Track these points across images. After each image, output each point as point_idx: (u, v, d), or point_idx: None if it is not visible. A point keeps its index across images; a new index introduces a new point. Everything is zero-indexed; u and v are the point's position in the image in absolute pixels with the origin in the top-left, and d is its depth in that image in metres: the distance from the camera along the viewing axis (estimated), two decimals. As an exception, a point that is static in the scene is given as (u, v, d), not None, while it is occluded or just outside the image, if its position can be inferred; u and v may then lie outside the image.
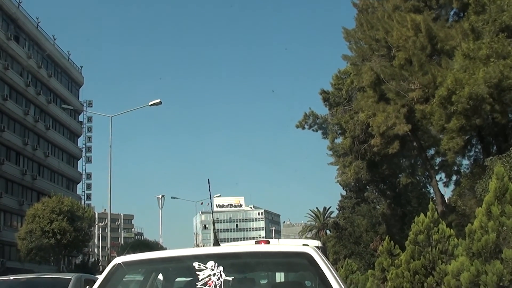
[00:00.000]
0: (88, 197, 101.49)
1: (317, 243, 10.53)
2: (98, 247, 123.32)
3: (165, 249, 33.80)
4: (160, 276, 6.70)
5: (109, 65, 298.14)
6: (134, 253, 5.66)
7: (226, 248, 6.34)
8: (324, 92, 46.77)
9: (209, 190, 8.60)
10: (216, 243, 6.89)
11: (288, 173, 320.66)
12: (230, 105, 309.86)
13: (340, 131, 45.26)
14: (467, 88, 24.41)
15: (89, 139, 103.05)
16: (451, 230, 12.64)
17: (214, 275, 5.01)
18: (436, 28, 29.35)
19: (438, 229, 12.41)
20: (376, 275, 18.86)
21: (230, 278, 5.08)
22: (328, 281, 4.89)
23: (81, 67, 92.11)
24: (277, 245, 6.84)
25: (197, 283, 4.99)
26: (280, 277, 9.92)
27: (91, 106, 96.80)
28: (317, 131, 47.79)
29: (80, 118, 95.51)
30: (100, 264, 77.55)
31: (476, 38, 25.51)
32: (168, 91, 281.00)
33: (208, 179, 8.35)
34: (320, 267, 5.01)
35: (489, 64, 23.99)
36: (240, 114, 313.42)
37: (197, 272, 5.04)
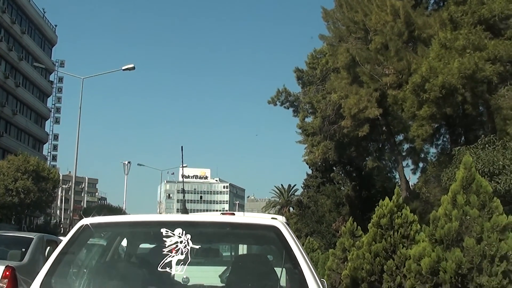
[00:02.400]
0: (54, 158, 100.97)
1: (282, 218, 10.59)
2: (61, 209, 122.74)
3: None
4: (124, 242, 6.70)
5: (84, 26, 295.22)
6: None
7: (195, 216, 6.37)
8: (298, 70, 46.79)
9: (182, 158, 8.62)
10: (185, 211, 6.90)
11: (256, 148, 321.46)
12: (203, 76, 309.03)
13: (311, 110, 45.33)
14: (440, 77, 24.57)
15: (59, 99, 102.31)
16: (414, 216, 12.76)
17: (181, 242, 5.01)
18: (415, 15, 29.43)
19: (402, 214, 12.52)
20: (337, 254, 19.00)
21: (197, 247, 5.09)
22: (294, 256, 4.93)
23: (56, 25, 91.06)
24: (246, 217, 6.88)
25: (163, 250, 4.99)
26: (243, 249, 9.98)
27: (63, 66, 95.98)
28: (288, 108, 47.94)
29: (51, 78, 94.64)
30: (61, 226, 77.31)
31: (454, 29, 25.64)
32: (142, 56, 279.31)
33: (182, 147, 8.36)
34: (288, 242, 5.05)
35: (464, 55, 24.15)
36: (214, 85, 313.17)
37: (164, 239, 5.05)
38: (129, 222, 5.91)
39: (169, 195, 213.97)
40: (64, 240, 5.30)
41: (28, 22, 78.82)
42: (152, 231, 5.50)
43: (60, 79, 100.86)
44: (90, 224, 5.34)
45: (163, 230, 5.09)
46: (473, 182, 8.80)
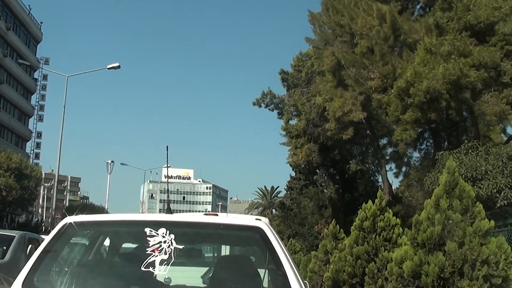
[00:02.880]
0: (37, 156, 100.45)
1: (265, 220, 10.59)
2: (43, 207, 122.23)
3: (111, 214, 33.66)
4: (106, 242, 6.68)
5: (69, 23, 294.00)
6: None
7: (179, 216, 6.35)
8: (283, 72, 46.83)
9: (167, 157, 8.64)
10: (169, 211, 6.88)
11: (240, 149, 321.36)
12: (189, 76, 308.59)
13: (295, 113, 45.37)
14: (425, 82, 24.66)
15: (43, 97, 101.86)
16: (397, 219, 12.83)
17: (164, 242, 5.01)
18: (401, 20, 29.52)
19: (384, 217, 12.58)
20: (319, 256, 19.06)
21: (180, 247, 5.09)
22: (278, 257, 4.93)
23: (41, 23, 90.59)
24: (230, 218, 6.88)
25: (146, 249, 4.98)
26: (225, 250, 9.98)
27: (48, 64, 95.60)
28: (273, 110, 48.00)
29: (36, 75, 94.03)
30: (43, 224, 76.83)
31: (439, 34, 25.74)
32: (127, 55, 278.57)
33: (167, 146, 8.36)
34: (272, 243, 5.05)
35: (449, 61, 24.25)
36: (199, 86, 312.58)
37: (147, 238, 5.04)
38: (113, 221, 5.89)
39: (151, 195, 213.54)
40: (48, 238, 5.28)
41: (14, 18, 78.35)
42: (136, 231, 5.49)
43: (45, 77, 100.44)
44: (73, 222, 5.31)
45: (147, 230, 5.08)
46: (456, 186, 8.85)
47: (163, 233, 5.05)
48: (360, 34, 30.97)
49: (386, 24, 29.53)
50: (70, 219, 5.32)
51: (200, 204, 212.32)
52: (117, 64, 46.79)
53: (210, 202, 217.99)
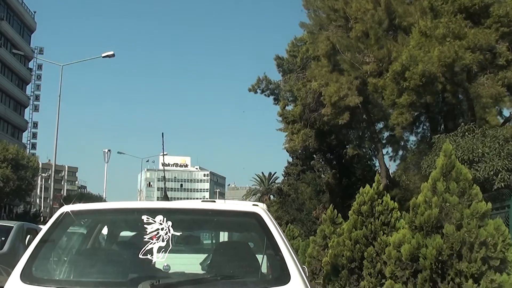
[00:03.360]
0: (33, 146, 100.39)
1: (263, 205, 10.61)
2: (40, 197, 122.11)
3: (109, 203, 33.74)
4: (104, 231, 6.68)
5: (63, 12, 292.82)
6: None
7: (176, 203, 6.36)
8: (278, 58, 46.82)
9: (162, 144, 8.62)
10: (166, 198, 6.88)
11: (237, 136, 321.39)
12: (184, 64, 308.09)
13: (291, 98, 45.38)
14: (421, 65, 24.64)
15: (38, 87, 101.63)
16: (395, 203, 12.85)
17: (162, 229, 5.02)
18: (396, 4, 29.46)
19: (382, 201, 12.60)
20: (318, 242, 19.10)
21: (178, 233, 5.10)
22: (276, 242, 4.94)
23: (35, 12, 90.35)
24: (227, 204, 6.89)
25: (144, 237, 4.98)
26: (223, 237, 10.00)
27: (42, 53, 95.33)
28: (269, 96, 48.03)
29: (30, 65, 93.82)
30: (41, 214, 76.89)
31: (434, 17, 25.68)
32: (123, 41, 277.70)
33: (162, 133, 8.37)
34: (269, 228, 5.06)
35: (444, 44, 24.22)
36: (195, 72, 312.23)
37: (145, 226, 5.04)
38: (110, 210, 5.91)
39: (149, 183, 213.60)
40: (45, 227, 5.28)
41: (7, 8, 78.08)
42: (133, 218, 5.48)
43: (39, 66, 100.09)
44: (71, 211, 5.33)
45: (144, 217, 5.08)
46: (453, 169, 8.85)
47: (161, 220, 5.06)
48: (355, 18, 30.92)
49: (380, 8, 29.49)
50: (67, 208, 5.33)
51: (198, 191, 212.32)
52: (111, 53, 46.77)
53: (207, 189, 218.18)
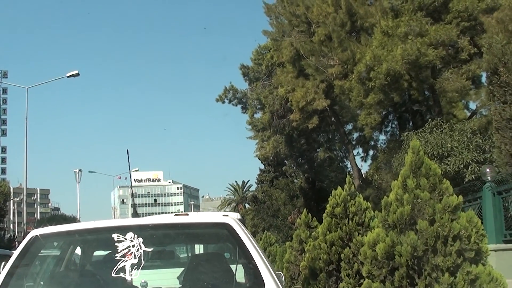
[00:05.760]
0: (3, 171, 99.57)
1: (237, 215, 10.60)
2: (14, 222, 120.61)
3: (83, 223, 33.57)
4: (78, 251, 6.62)
5: (25, 34, 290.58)
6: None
7: (145, 219, 6.32)
8: (244, 67, 46.80)
9: (128, 161, 8.57)
10: (135, 214, 6.86)
11: (208, 147, 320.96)
12: (149, 78, 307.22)
13: (259, 106, 45.40)
14: (385, 65, 24.84)
15: (4, 111, 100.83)
16: (368, 203, 12.87)
17: (133, 246, 4.99)
18: (356, 5, 29.65)
19: (355, 202, 12.60)
20: (294, 246, 19.07)
21: (149, 249, 5.07)
22: (248, 251, 4.94)
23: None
24: (196, 216, 6.85)
25: (116, 255, 4.94)
26: (199, 249, 9.95)
27: (6, 77, 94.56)
28: (237, 105, 47.92)
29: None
30: (16, 239, 75.89)
31: (395, 16, 25.94)
32: (87, 61, 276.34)
33: (127, 150, 8.34)
34: (240, 237, 5.05)
35: (407, 42, 24.46)
36: (160, 86, 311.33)
37: (116, 244, 5.01)
38: (80, 230, 5.85)
39: (123, 200, 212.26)
40: (15, 253, 5.22)
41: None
42: (104, 237, 5.46)
43: (4, 90, 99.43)
44: (40, 235, 5.27)
45: (115, 235, 5.05)
46: (422, 165, 8.87)
47: (131, 237, 5.03)
48: (317, 23, 31.08)
49: (341, 10, 29.67)
50: (36, 232, 5.29)
51: (172, 205, 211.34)
52: (76, 72, 46.35)
53: (182, 202, 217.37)
